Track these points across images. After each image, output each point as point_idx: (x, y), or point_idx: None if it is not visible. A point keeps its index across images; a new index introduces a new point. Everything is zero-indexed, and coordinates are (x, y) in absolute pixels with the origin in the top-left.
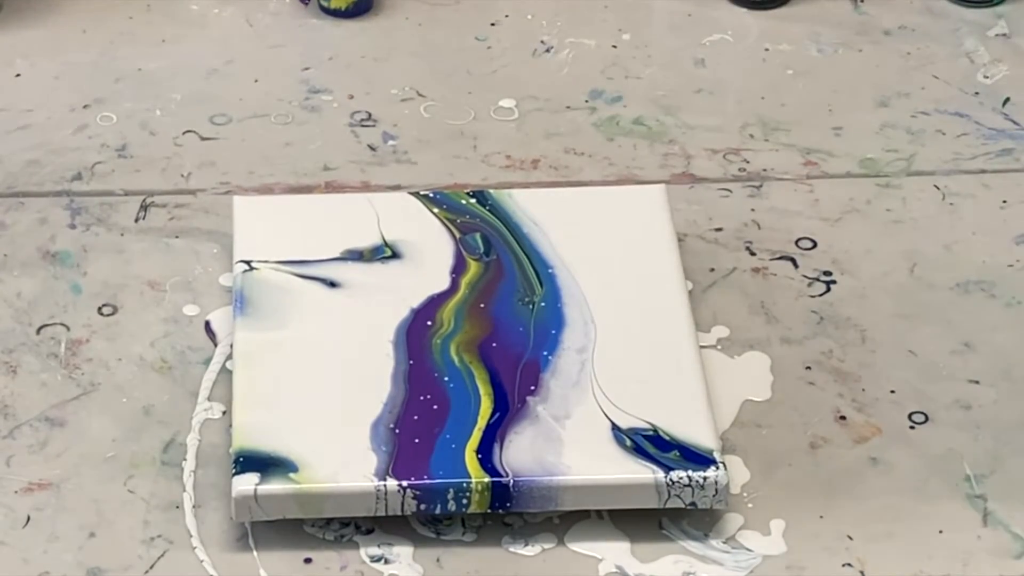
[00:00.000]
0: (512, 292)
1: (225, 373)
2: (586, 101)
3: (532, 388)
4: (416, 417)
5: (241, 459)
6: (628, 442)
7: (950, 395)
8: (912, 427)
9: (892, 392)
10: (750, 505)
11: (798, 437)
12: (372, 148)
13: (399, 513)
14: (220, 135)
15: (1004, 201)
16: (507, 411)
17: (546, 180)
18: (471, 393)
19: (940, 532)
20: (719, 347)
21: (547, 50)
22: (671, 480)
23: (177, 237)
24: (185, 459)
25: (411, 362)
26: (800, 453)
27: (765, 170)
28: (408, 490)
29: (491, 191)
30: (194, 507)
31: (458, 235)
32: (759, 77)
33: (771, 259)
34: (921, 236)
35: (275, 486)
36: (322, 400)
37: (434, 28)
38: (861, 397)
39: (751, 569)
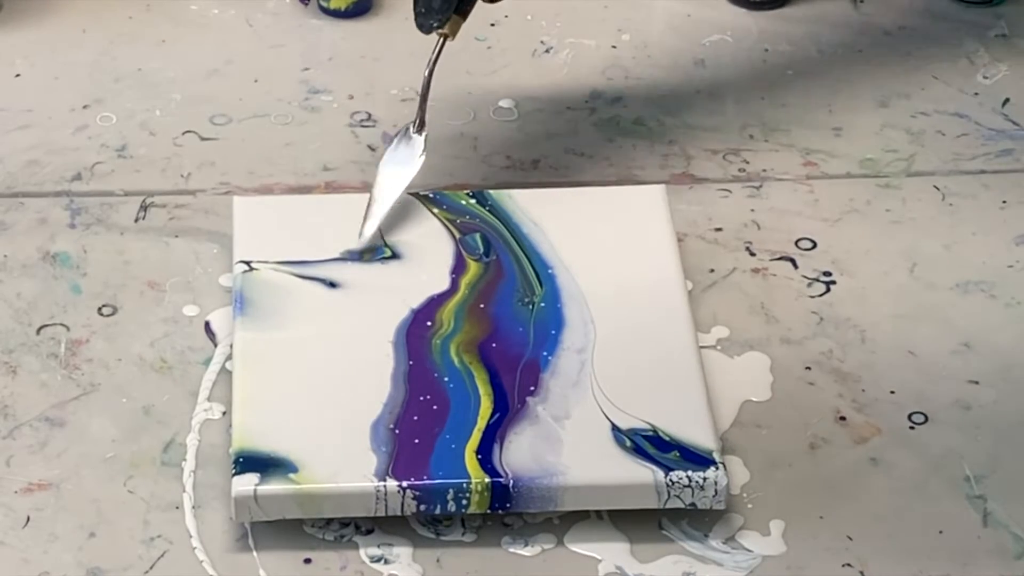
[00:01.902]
0: (512, 292)
1: (225, 373)
2: (586, 101)
3: (532, 388)
4: (416, 417)
5: (241, 459)
6: (628, 442)
7: (950, 395)
8: (912, 427)
9: (892, 392)
10: (750, 505)
11: (798, 437)
12: (372, 148)
13: (399, 513)
14: (220, 135)
15: (1004, 201)
16: (507, 411)
17: (546, 180)
18: (471, 393)
19: (940, 532)
20: (719, 347)
21: (547, 50)
22: (671, 480)
23: (177, 237)
24: (185, 459)
25: (411, 363)
26: (800, 453)
27: (765, 170)
28: (408, 490)
29: (491, 191)
30: (194, 507)
31: (458, 235)
32: (759, 77)
33: (771, 259)
34: (921, 236)
35: (275, 486)
36: (322, 400)
37: None
38: (861, 397)
39: (751, 569)
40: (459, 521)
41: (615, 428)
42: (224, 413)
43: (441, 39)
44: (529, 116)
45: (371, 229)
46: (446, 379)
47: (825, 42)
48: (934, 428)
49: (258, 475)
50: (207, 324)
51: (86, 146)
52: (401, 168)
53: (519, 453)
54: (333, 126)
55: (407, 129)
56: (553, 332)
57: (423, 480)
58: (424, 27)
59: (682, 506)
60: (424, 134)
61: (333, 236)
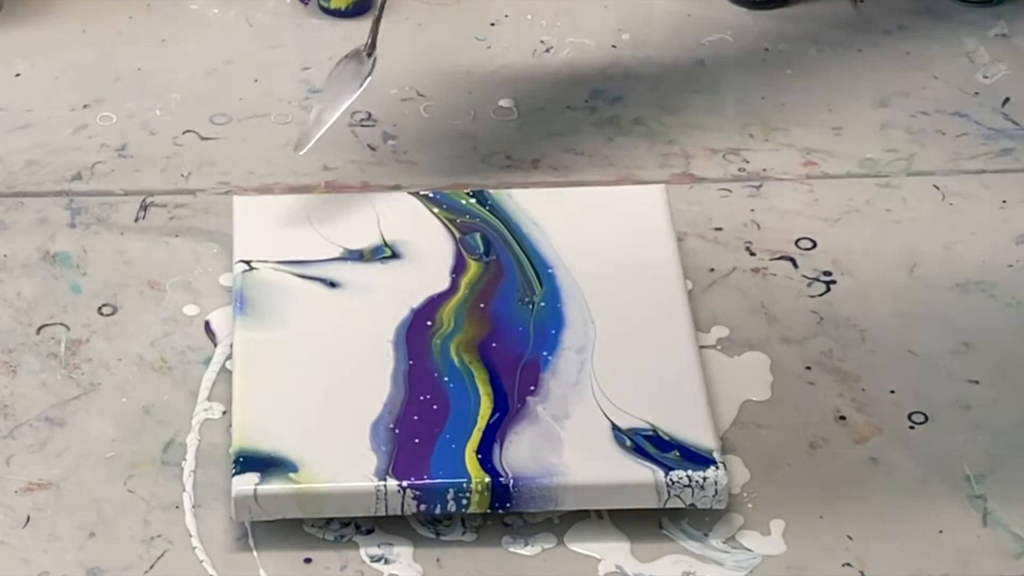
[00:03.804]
0: (512, 292)
1: (225, 373)
2: (586, 101)
3: (532, 388)
4: (416, 417)
5: (241, 459)
6: (628, 442)
7: (950, 395)
8: (912, 427)
9: (892, 392)
10: (750, 505)
11: (798, 437)
12: (372, 148)
13: (399, 513)
14: (220, 135)
15: (1004, 201)
16: (507, 411)
17: (546, 180)
18: (471, 393)
19: (940, 532)
20: (719, 347)
21: (547, 50)
22: (671, 480)
23: (177, 237)
24: (185, 459)
25: (411, 362)
26: (800, 453)
27: (765, 170)
28: (408, 490)
29: (491, 191)
30: (194, 507)
31: (458, 235)
32: (759, 77)
33: (771, 259)
34: (921, 236)
35: (275, 486)
36: (322, 400)
37: (434, 28)
38: (861, 397)
39: (751, 569)
40: (459, 521)
41: (615, 428)
42: (224, 413)
43: None
44: (529, 116)
45: (306, 146)
46: (446, 379)
47: (825, 42)
48: (934, 428)
49: (258, 475)
50: (207, 324)
51: (86, 146)
52: (346, 85)
53: (519, 453)
54: (333, 126)
55: (357, 52)
56: (553, 332)
57: (423, 480)
58: None
59: (682, 506)
60: (373, 57)
61: (333, 236)
